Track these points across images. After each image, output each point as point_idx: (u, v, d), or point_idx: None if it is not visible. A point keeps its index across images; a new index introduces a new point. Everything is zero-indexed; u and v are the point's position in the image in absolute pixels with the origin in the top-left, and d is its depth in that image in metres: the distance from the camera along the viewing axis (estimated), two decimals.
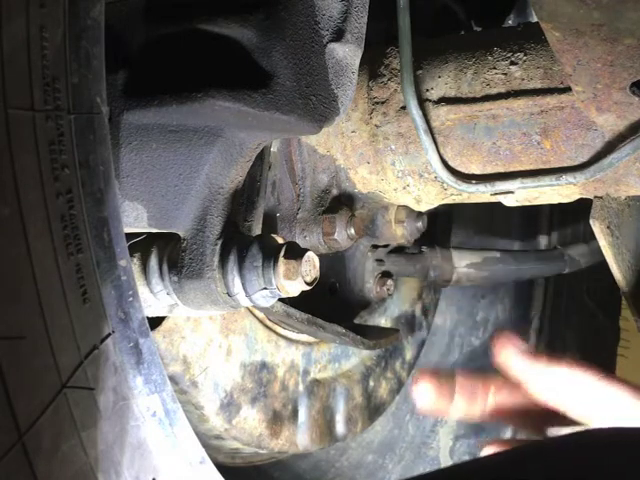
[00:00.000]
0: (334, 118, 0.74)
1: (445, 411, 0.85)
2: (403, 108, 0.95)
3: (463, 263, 1.32)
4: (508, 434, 1.43)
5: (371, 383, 1.32)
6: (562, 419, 0.81)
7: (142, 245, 0.72)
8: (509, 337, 0.83)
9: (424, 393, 0.83)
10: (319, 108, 0.71)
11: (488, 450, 0.84)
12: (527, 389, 0.82)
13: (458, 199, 1.00)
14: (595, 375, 0.78)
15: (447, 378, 0.84)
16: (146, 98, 0.65)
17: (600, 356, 1.81)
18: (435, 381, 0.83)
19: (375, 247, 1.24)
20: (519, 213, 1.66)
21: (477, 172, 0.93)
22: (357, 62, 0.76)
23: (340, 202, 1.03)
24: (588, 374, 0.78)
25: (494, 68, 0.90)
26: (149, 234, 0.72)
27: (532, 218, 1.70)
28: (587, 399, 0.78)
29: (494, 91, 0.89)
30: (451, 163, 0.93)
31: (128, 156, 0.67)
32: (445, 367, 1.64)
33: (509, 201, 0.95)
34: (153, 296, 0.72)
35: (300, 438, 1.12)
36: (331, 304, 1.18)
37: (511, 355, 0.82)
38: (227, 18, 0.65)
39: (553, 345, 1.72)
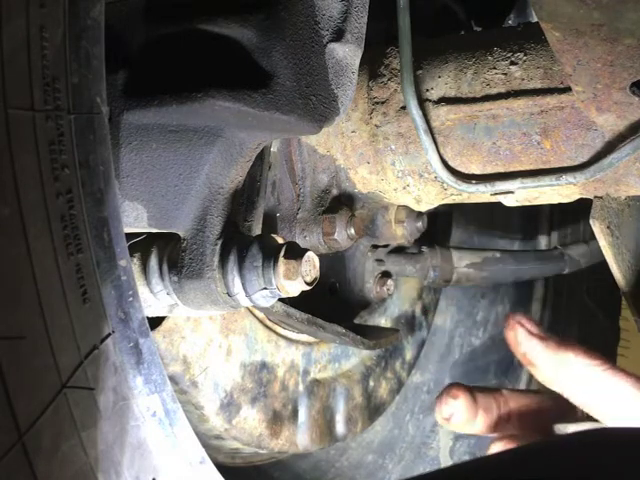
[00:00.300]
0: (334, 118, 0.74)
1: (471, 426, 0.86)
2: (403, 108, 0.95)
3: (463, 263, 1.32)
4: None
5: (371, 383, 1.32)
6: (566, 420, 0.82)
7: (142, 245, 0.72)
8: (522, 318, 0.84)
9: (461, 407, 0.84)
10: (319, 108, 0.71)
11: (496, 446, 0.84)
12: (535, 371, 0.83)
13: (458, 199, 1.00)
14: (601, 365, 0.78)
15: (471, 395, 0.85)
16: (146, 98, 0.65)
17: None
18: (469, 395, 0.84)
19: (375, 247, 1.24)
20: (519, 213, 1.66)
21: (477, 172, 0.93)
22: (357, 62, 0.76)
23: (340, 202, 1.03)
24: (594, 363, 0.79)
25: (494, 68, 0.90)
26: (149, 234, 0.72)
27: (532, 218, 1.70)
28: (590, 387, 0.79)
29: (494, 91, 0.89)
30: (451, 163, 0.93)
31: (128, 156, 0.67)
32: (449, 370, 1.64)
33: (509, 201, 0.95)
34: (153, 296, 0.72)
35: (300, 438, 1.12)
36: (331, 304, 1.17)
37: (522, 336, 0.83)
38: (227, 18, 0.65)
39: None
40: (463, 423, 0.86)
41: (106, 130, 0.56)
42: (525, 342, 0.83)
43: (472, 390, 0.86)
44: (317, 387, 1.17)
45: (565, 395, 0.81)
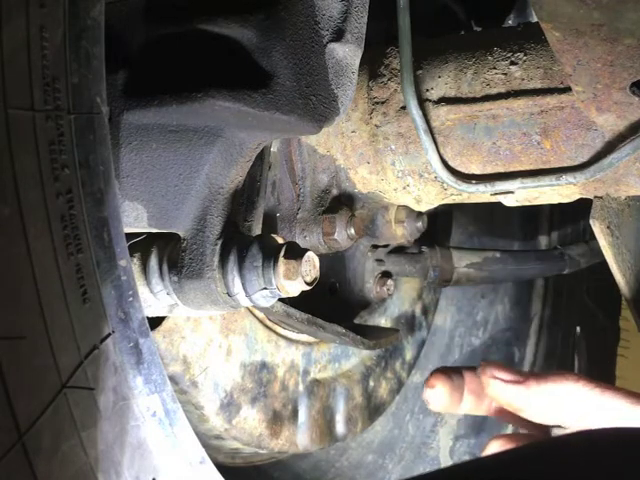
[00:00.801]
0: (334, 118, 0.74)
1: (455, 408, 0.86)
2: (403, 108, 0.95)
3: (463, 263, 1.32)
4: (509, 432, 1.43)
5: (371, 383, 1.32)
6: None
7: (142, 245, 0.72)
8: (493, 370, 0.83)
9: (438, 395, 0.84)
10: (319, 108, 0.71)
11: (494, 444, 0.84)
12: (524, 414, 0.82)
13: (458, 199, 1.00)
14: (588, 384, 0.77)
15: (457, 377, 0.85)
16: (146, 98, 0.65)
17: (600, 356, 1.81)
18: (449, 383, 0.84)
19: (375, 247, 1.24)
20: (519, 213, 1.66)
21: (477, 172, 0.93)
22: (357, 62, 0.76)
23: (340, 202, 1.03)
24: (582, 384, 0.78)
25: (494, 68, 0.90)
26: (149, 234, 0.72)
27: (532, 218, 1.70)
28: (583, 410, 0.77)
29: (494, 91, 0.89)
30: (451, 163, 0.93)
31: (128, 156, 0.67)
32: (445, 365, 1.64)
33: (509, 201, 0.95)
34: (153, 296, 0.72)
35: (300, 438, 1.12)
36: (331, 304, 1.17)
37: (499, 389, 0.82)
38: (227, 18, 0.65)
39: (553, 345, 1.72)
40: (445, 407, 0.85)
41: (106, 130, 0.56)
42: (504, 393, 0.82)
43: (458, 372, 0.86)
44: (317, 387, 1.17)
45: (562, 424, 0.80)
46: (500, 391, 0.82)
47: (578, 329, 1.70)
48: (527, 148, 0.89)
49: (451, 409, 0.86)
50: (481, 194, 0.94)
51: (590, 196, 0.90)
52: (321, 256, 0.84)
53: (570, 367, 1.73)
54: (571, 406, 0.78)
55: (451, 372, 0.85)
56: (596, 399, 0.76)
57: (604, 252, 0.89)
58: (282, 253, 0.70)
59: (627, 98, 0.74)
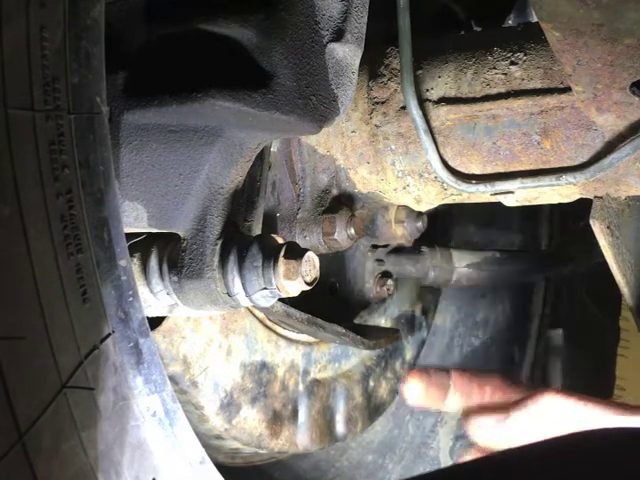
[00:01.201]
0: (334, 118, 0.74)
1: (438, 405, 0.86)
2: (403, 108, 0.95)
3: (463, 263, 1.32)
4: None
5: (371, 383, 1.32)
6: None
7: (142, 245, 0.72)
8: (475, 416, 0.83)
9: (412, 390, 0.84)
10: (319, 108, 0.71)
11: (467, 456, 0.84)
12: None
13: (458, 199, 1.00)
14: (568, 398, 0.77)
15: (440, 375, 0.85)
16: (146, 98, 0.65)
17: (600, 356, 1.81)
18: (425, 379, 0.84)
19: (375, 247, 1.24)
20: (519, 213, 1.66)
21: (477, 172, 0.93)
22: (357, 62, 0.76)
23: (340, 202, 1.03)
24: (559, 399, 0.77)
25: (494, 68, 0.90)
26: (149, 234, 0.72)
27: (532, 218, 1.70)
28: (566, 424, 0.77)
29: (494, 91, 0.89)
30: (451, 163, 0.93)
31: (128, 156, 0.67)
32: (441, 366, 1.63)
33: (509, 201, 0.95)
34: (153, 296, 0.72)
35: (300, 438, 1.12)
36: (331, 304, 1.17)
37: (487, 435, 0.82)
38: (227, 18, 0.65)
39: (553, 345, 1.72)
40: (423, 401, 0.86)
41: (106, 130, 0.56)
42: (493, 438, 0.81)
43: (444, 371, 0.86)
44: (317, 387, 1.17)
45: None
46: (489, 438, 0.82)
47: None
48: (527, 148, 0.89)
49: (433, 405, 0.86)
50: (481, 194, 0.94)
51: (590, 196, 0.90)
52: (321, 256, 0.84)
53: (570, 368, 1.72)
54: (554, 421, 0.78)
55: (433, 371, 0.86)
56: (578, 412, 0.76)
57: (604, 252, 0.89)
58: (282, 253, 0.70)
59: (627, 98, 0.74)
